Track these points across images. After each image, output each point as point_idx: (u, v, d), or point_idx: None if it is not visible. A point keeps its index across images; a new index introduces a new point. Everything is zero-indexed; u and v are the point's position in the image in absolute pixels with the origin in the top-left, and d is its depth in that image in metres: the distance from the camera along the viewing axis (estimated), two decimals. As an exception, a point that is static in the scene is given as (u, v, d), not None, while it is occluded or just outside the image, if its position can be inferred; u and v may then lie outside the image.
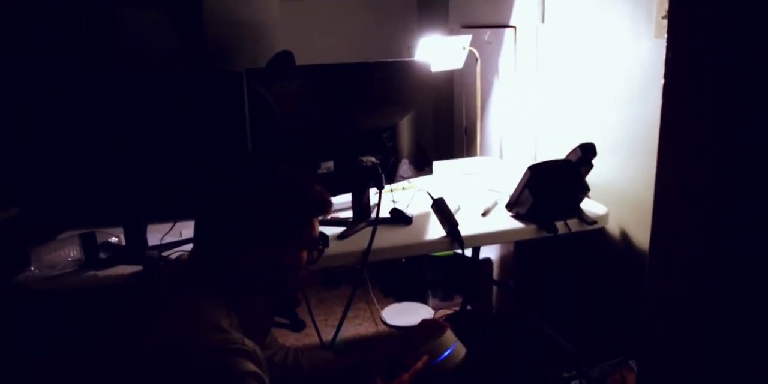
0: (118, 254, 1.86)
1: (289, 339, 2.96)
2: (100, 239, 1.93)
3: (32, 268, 1.82)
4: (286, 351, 1.63)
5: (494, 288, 3.02)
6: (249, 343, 1.16)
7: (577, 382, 1.73)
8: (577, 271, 2.11)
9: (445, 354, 1.51)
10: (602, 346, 2.03)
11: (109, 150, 1.79)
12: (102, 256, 1.86)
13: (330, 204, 1.33)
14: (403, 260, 3.26)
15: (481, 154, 2.91)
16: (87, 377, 1.48)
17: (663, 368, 1.27)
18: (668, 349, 1.24)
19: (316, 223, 1.33)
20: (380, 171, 1.85)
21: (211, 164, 1.78)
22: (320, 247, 1.38)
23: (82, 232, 1.88)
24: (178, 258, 1.33)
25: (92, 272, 1.77)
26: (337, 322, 3.07)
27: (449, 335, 1.56)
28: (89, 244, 1.83)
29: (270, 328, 1.40)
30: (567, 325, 2.45)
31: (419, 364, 1.45)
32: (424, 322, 1.66)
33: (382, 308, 3.23)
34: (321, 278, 3.61)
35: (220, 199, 1.27)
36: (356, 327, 3.10)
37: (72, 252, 1.90)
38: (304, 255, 1.32)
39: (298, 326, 2.95)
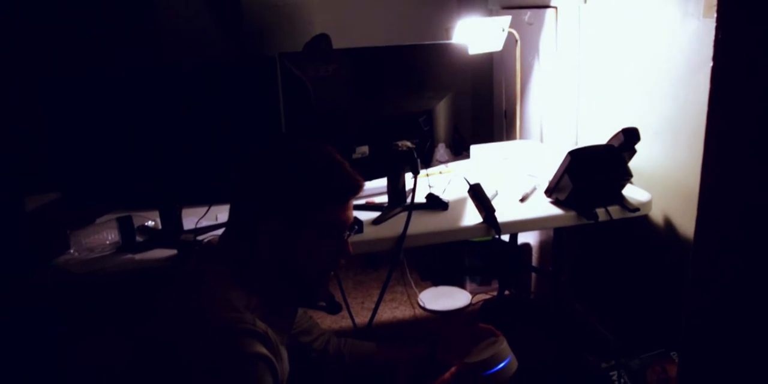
0: (154, 238, 1.87)
1: (326, 321, 2.97)
2: (137, 223, 1.94)
3: (72, 251, 1.84)
4: (328, 338, 1.60)
5: (533, 274, 2.98)
6: (261, 325, 1.12)
7: (616, 373, 1.68)
8: (619, 259, 2.05)
9: (500, 366, 1.41)
10: (643, 336, 1.97)
11: (146, 135, 1.80)
12: (138, 239, 1.87)
13: (360, 185, 1.25)
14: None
15: (521, 138, 2.85)
16: (121, 357, 1.47)
17: (705, 361, 1.22)
18: (711, 341, 1.19)
19: (349, 207, 1.26)
20: (416, 155, 1.81)
21: (245, 147, 1.76)
22: (350, 233, 1.30)
23: (119, 216, 1.89)
24: (209, 241, 1.31)
25: (129, 255, 1.78)
26: (373, 306, 3.08)
27: (505, 347, 1.46)
28: (126, 228, 1.85)
29: (294, 316, 1.35)
30: (607, 314, 2.40)
31: (447, 375, 1.38)
32: (479, 326, 1.55)
33: (420, 292, 3.21)
34: (360, 261, 3.61)
35: (250, 173, 1.22)
36: (393, 310, 3.08)
37: (110, 235, 1.91)
38: (334, 243, 1.25)
39: (334, 309, 2.96)
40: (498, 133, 3.25)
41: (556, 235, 2.24)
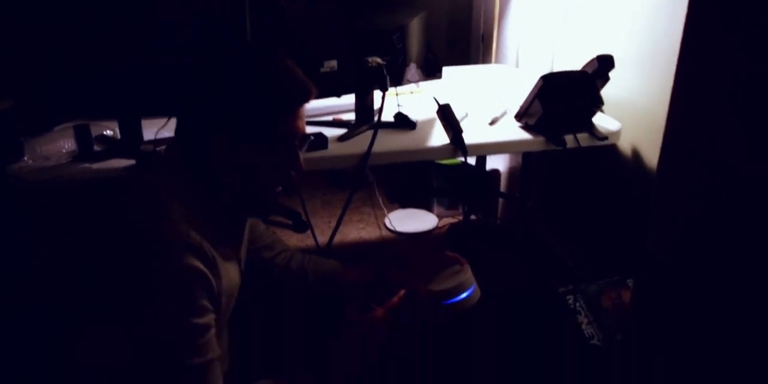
0: (112, 147, 1.81)
1: (292, 239, 2.96)
2: (95, 132, 1.88)
3: (26, 159, 1.78)
4: (291, 254, 1.56)
5: (500, 200, 2.98)
6: (195, 237, 1.07)
7: (572, 297, 1.71)
8: (585, 187, 2.04)
9: (462, 296, 1.40)
10: (602, 264, 1.99)
11: (105, 41, 1.72)
12: (96, 149, 1.81)
13: (310, 92, 1.14)
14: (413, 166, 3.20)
15: (497, 62, 2.78)
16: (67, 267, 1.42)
17: (660, 288, 1.23)
18: (667, 270, 1.20)
19: (299, 117, 1.16)
20: (385, 72, 1.76)
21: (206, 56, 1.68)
22: (304, 146, 1.22)
23: (76, 124, 1.83)
24: (157, 151, 1.23)
25: (86, 164, 1.72)
26: (342, 226, 3.08)
27: (469, 276, 1.43)
28: (83, 137, 1.78)
29: (243, 229, 1.30)
30: (570, 241, 2.42)
31: (395, 299, 1.35)
32: (445, 253, 1.50)
33: (387, 213, 3.21)
34: (327, 181, 3.58)
35: (194, 83, 1.13)
36: (359, 231, 3.09)
37: (67, 144, 1.85)
38: (285, 156, 1.16)
39: (300, 227, 2.95)
40: (474, 56, 3.17)
41: (525, 161, 2.23)
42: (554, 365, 1.70)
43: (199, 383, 1.08)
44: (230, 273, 1.20)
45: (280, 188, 1.21)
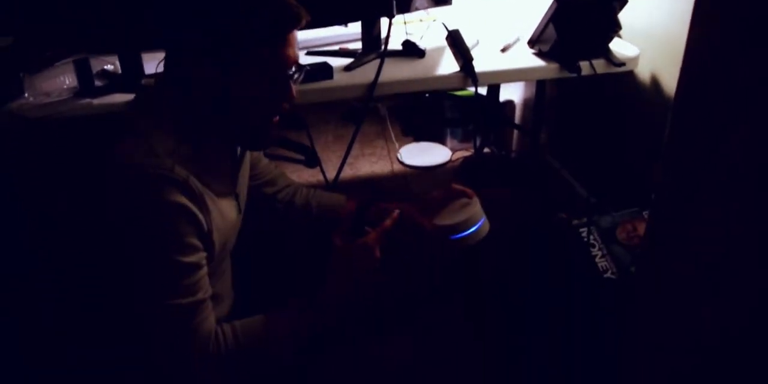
0: (113, 82, 1.76)
1: (303, 175, 2.93)
2: (96, 67, 1.82)
3: (26, 95, 1.73)
4: (295, 189, 1.52)
5: (514, 132, 2.91)
6: (180, 172, 1.02)
7: (586, 229, 1.66)
8: (601, 116, 1.97)
9: (471, 230, 1.35)
10: (619, 195, 1.94)
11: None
12: (98, 84, 1.77)
13: (299, 17, 1.05)
14: (427, 95, 3.12)
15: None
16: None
17: (676, 218, 1.19)
18: (684, 199, 1.15)
19: (290, 44, 1.07)
20: (392, -1, 1.68)
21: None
22: (297, 76, 1.13)
23: (76, 59, 1.78)
24: (145, 84, 1.16)
25: (87, 100, 1.68)
26: (353, 160, 3.04)
27: (478, 210, 1.38)
28: (83, 71, 1.73)
29: (237, 163, 1.24)
30: (585, 173, 2.36)
31: (388, 222, 1.28)
32: (453, 187, 1.44)
33: (400, 147, 3.16)
34: (340, 115, 3.52)
35: (177, 10, 1.05)
36: (372, 165, 3.04)
37: (67, 79, 1.80)
38: (275, 87, 1.10)
39: (312, 162, 2.92)
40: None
41: (538, 91, 2.15)
42: (567, 299, 1.68)
43: (187, 324, 1.06)
44: (224, 210, 1.17)
45: (276, 118, 1.16)
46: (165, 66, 1.12)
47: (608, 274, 1.61)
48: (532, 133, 2.23)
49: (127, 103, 1.37)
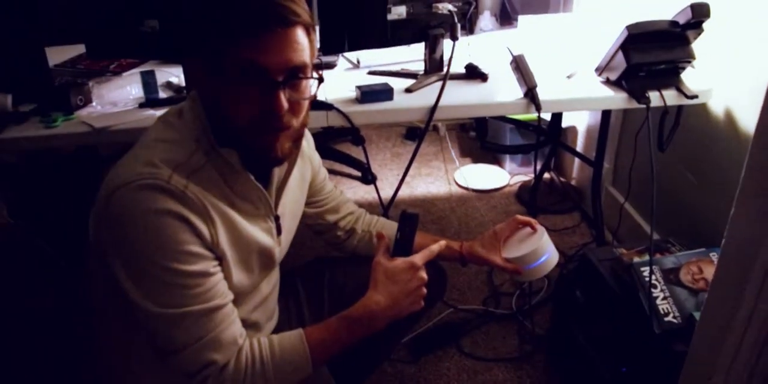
0: (175, 94, 1.77)
1: (359, 192, 2.91)
2: (162, 78, 1.84)
3: (94, 104, 1.76)
4: (358, 217, 1.50)
5: (576, 159, 2.82)
6: (178, 182, 1.00)
7: (648, 268, 1.57)
8: (670, 150, 1.87)
9: (541, 260, 1.35)
10: (685, 234, 1.84)
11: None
12: (162, 95, 1.78)
13: (279, 16, 0.97)
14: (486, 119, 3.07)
15: (577, 9, 2.58)
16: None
17: (748, 262, 1.10)
18: (758, 241, 1.07)
19: (266, 48, 0.98)
20: (456, 20, 1.63)
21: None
22: (281, 86, 1.01)
23: (143, 70, 1.79)
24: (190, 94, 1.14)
25: (149, 111, 1.69)
26: (410, 178, 3.00)
27: (545, 239, 1.37)
28: (148, 82, 1.75)
29: (268, 188, 1.18)
30: (648, 207, 2.26)
31: (435, 247, 1.24)
32: (516, 219, 1.43)
33: (458, 168, 3.11)
34: (400, 133, 3.49)
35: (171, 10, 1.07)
36: (428, 185, 2.99)
37: (134, 90, 1.82)
38: (254, 92, 1.01)
39: (368, 179, 2.88)
40: (554, 3, 2.96)
41: (603, 119, 2.06)
42: (623, 341, 1.59)
43: (205, 330, 1.04)
44: (249, 230, 1.13)
45: (284, 133, 1.07)
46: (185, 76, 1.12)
47: (669, 318, 1.52)
48: (594, 162, 2.14)
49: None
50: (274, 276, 1.34)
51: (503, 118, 2.56)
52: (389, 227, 1.49)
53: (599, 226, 2.11)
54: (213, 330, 1.04)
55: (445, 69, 1.71)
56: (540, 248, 1.35)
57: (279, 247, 1.25)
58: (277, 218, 1.22)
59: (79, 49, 2.10)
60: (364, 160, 2.12)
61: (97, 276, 1.12)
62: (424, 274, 1.19)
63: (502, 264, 1.40)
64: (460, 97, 1.69)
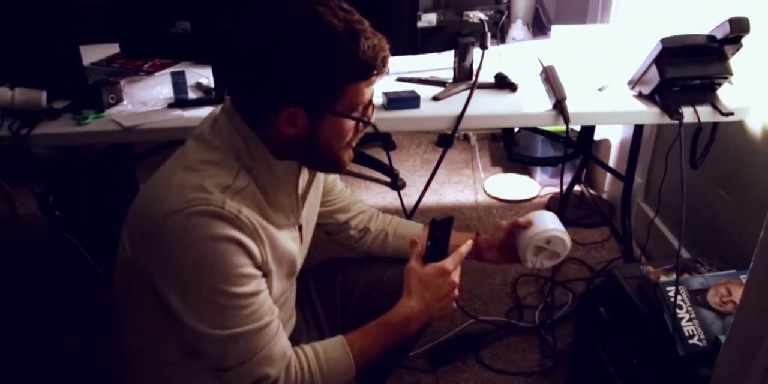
0: (205, 95, 1.78)
1: (388, 197, 2.89)
2: (193, 79, 1.85)
3: (125, 103, 1.77)
4: (371, 215, 1.49)
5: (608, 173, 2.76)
6: (232, 206, 1.01)
7: (674, 288, 1.52)
8: (703, 167, 1.81)
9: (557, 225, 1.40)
10: (715, 254, 1.78)
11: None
12: (192, 96, 1.78)
13: (376, 67, 1.02)
14: (516, 130, 3.03)
15: (614, 21, 2.52)
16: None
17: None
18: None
19: (362, 90, 1.04)
20: (487, 29, 1.61)
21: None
22: (364, 122, 1.10)
23: (174, 70, 1.80)
24: (223, 108, 1.14)
25: (178, 112, 1.69)
26: (438, 186, 2.98)
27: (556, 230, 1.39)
28: (178, 83, 1.75)
29: (299, 199, 1.21)
30: (678, 225, 2.20)
31: (464, 249, 1.25)
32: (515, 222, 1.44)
33: (487, 177, 3.07)
34: (430, 140, 3.47)
35: (243, 38, 1.03)
36: (456, 193, 2.97)
37: (164, 90, 1.83)
38: (346, 126, 1.07)
39: (397, 185, 2.86)
40: (592, 14, 2.91)
41: (635, 133, 2.01)
42: (646, 362, 1.54)
43: (257, 348, 1.06)
44: (284, 241, 1.14)
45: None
46: (235, 99, 1.10)
47: (694, 341, 1.46)
48: (625, 177, 2.09)
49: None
50: (295, 283, 1.34)
51: (535, 130, 2.52)
52: (406, 225, 1.49)
53: (627, 242, 2.06)
54: (265, 346, 1.06)
55: (473, 78, 1.68)
56: (547, 216, 1.41)
57: (301, 257, 1.27)
58: (300, 227, 1.23)
59: (116, 47, 2.12)
60: (394, 164, 2.11)
61: (133, 287, 1.12)
62: (456, 278, 1.21)
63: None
64: (488, 106, 1.65)
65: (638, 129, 2.00)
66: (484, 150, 3.36)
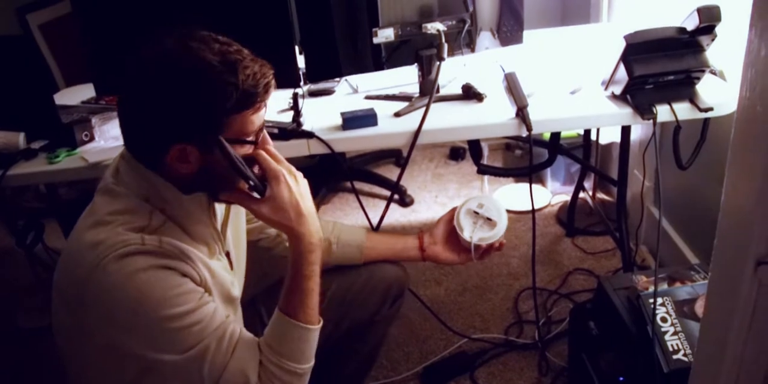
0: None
1: (395, 214, 2.80)
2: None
3: (97, 139, 1.75)
4: None
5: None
6: (151, 240, 0.98)
7: (660, 299, 1.39)
8: (704, 167, 1.67)
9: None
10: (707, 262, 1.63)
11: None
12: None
13: (258, 95, 0.98)
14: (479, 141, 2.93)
15: (593, 21, 2.40)
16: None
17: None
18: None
19: (248, 118, 1.01)
20: (443, 40, 1.52)
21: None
22: (255, 148, 1.05)
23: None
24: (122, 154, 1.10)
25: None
26: (448, 200, 2.87)
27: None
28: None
29: (215, 230, 1.15)
30: (685, 226, 2.06)
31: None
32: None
33: (499, 187, 2.94)
34: (442, 153, 3.37)
35: (126, 79, 1.00)
36: (465, 206, 2.85)
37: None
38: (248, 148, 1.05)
39: (405, 202, 2.76)
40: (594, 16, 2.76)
41: (623, 135, 1.87)
42: (633, 379, 1.41)
43: (227, 348, 1.03)
44: (216, 269, 1.10)
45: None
46: (124, 139, 1.07)
47: (679, 356, 1.33)
48: (618, 180, 1.94)
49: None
50: (239, 309, 1.27)
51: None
52: (349, 232, 1.45)
53: (625, 249, 1.91)
54: (232, 352, 1.03)
55: (434, 91, 1.59)
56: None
57: (237, 282, 1.22)
58: (227, 254, 1.19)
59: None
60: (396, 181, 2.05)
61: (78, 354, 1.09)
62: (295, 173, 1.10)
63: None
64: (452, 119, 1.55)
65: (625, 130, 1.86)
66: (498, 161, 3.24)
